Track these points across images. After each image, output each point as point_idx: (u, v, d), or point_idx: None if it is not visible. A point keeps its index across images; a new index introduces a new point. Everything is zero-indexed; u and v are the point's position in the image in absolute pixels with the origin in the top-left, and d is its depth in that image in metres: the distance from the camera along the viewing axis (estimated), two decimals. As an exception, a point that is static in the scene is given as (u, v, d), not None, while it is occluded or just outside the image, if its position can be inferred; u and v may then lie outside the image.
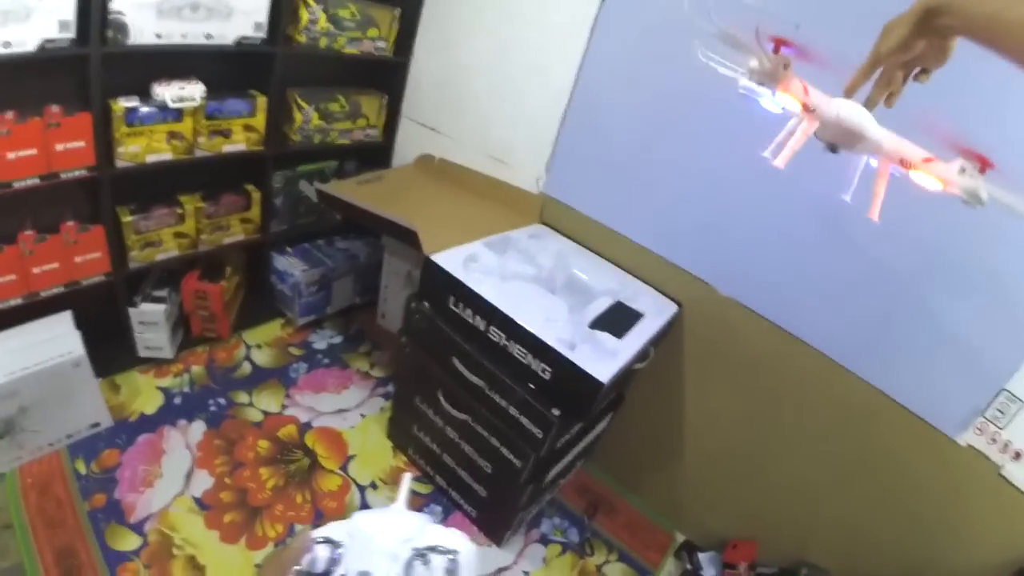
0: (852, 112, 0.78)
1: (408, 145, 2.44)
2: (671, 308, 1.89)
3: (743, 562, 2.10)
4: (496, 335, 1.61)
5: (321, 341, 2.52)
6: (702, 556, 2.13)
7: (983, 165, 0.76)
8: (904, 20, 0.67)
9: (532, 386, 1.58)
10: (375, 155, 2.49)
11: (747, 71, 0.85)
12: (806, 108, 0.82)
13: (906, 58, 0.71)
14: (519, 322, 1.55)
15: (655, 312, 1.82)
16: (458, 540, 0.62)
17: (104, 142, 1.69)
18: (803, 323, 1.82)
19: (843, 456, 1.91)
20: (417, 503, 2.04)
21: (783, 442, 2.00)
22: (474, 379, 1.68)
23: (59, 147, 1.60)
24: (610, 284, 1.87)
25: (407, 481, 0.74)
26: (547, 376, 1.54)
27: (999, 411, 1.66)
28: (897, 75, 0.74)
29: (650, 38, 1.81)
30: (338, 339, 2.56)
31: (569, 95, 2.00)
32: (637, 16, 1.81)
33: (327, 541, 0.58)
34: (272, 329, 2.49)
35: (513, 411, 1.62)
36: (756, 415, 2.00)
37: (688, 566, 2.11)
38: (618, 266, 2.02)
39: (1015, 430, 1.64)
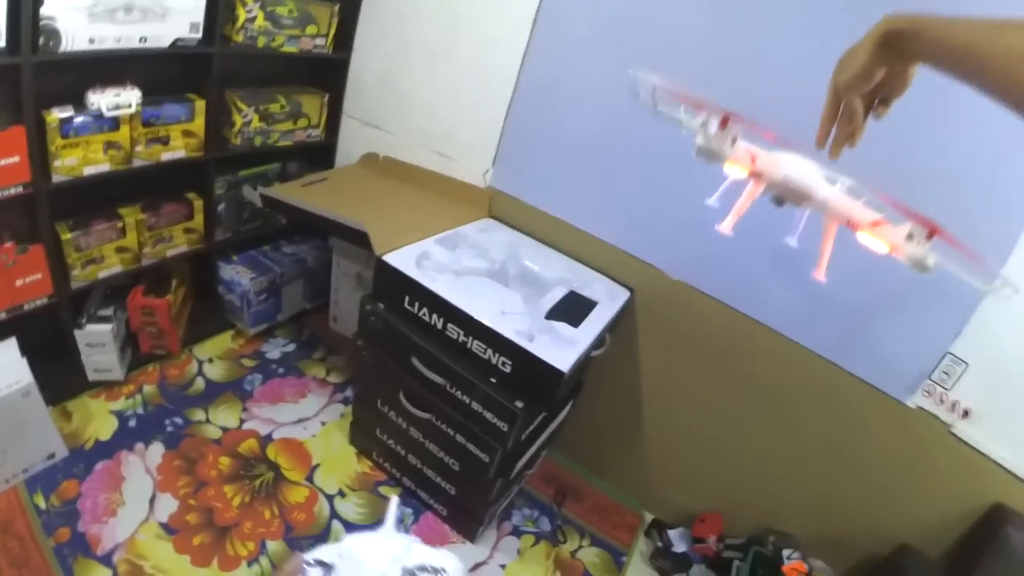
0: (800, 172, 0.80)
1: (352, 144, 2.45)
2: (624, 294, 1.97)
3: (712, 535, 2.20)
4: (454, 332, 1.65)
5: (274, 350, 2.52)
6: (672, 533, 2.23)
7: (932, 232, 0.75)
8: (864, 47, 0.64)
9: (493, 380, 1.63)
10: (318, 155, 2.49)
11: (694, 149, 0.85)
12: (753, 174, 0.84)
13: (867, 88, 0.68)
14: (476, 317, 1.60)
15: (608, 299, 1.89)
16: (445, 558, 0.65)
17: (39, 156, 1.65)
18: (753, 302, 1.93)
19: (802, 426, 2.03)
20: (384, 508, 2.07)
21: (742, 417, 2.10)
22: (435, 377, 1.72)
23: None
24: (562, 274, 1.94)
25: (394, 504, 0.77)
26: (508, 369, 1.60)
27: (945, 373, 1.80)
28: (858, 109, 0.71)
29: (592, 29, 1.87)
30: (291, 347, 2.57)
31: (513, 88, 2.05)
32: (578, 9, 1.88)
33: (319, 564, 0.60)
34: (223, 341, 2.48)
35: (476, 406, 1.67)
36: (714, 393, 2.11)
37: (659, 543, 2.21)
38: (569, 255, 2.09)
39: (961, 390, 1.80)
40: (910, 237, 0.76)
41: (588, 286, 1.91)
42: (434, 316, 1.68)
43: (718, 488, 2.26)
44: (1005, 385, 1.76)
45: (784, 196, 0.84)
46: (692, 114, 0.87)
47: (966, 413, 1.82)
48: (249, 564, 1.74)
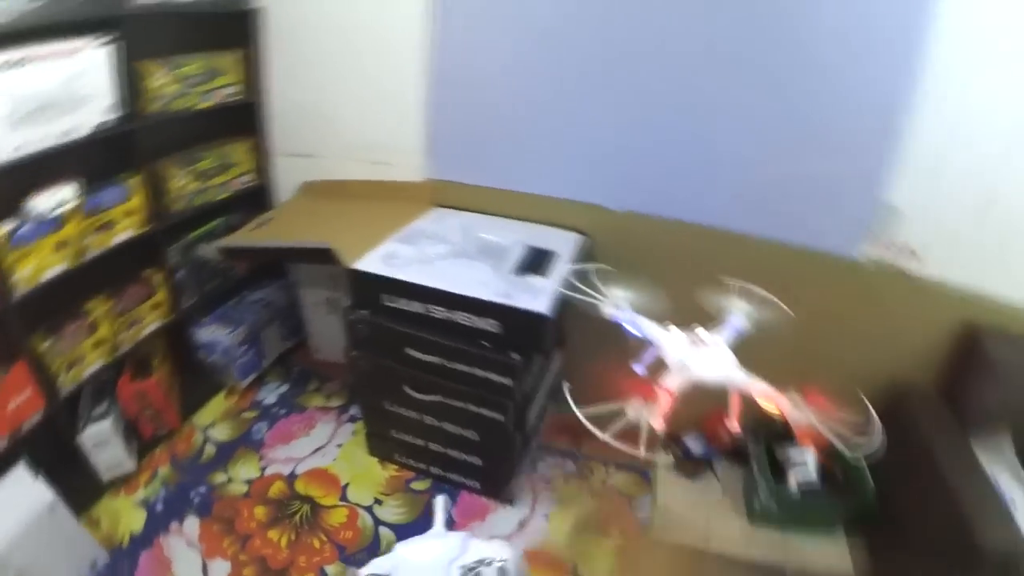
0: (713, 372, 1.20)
1: (288, 179, 2.67)
2: (575, 239, 2.24)
3: (721, 427, 2.50)
4: (438, 312, 1.90)
5: (270, 395, 2.73)
6: (687, 440, 2.51)
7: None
8: None
9: (486, 343, 1.88)
10: (258, 200, 2.69)
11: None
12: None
13: None
14: (455, 292, 1.85)
15: (564, 246, 2.17)
16: (501, 548, 0.66)
17: None
18: (695, 209, 2.22)
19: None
20: (424, 501, 2.30)
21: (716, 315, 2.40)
22: (432, 359, 1.97)
23: None
24: (517, 236, 2.20)
25: (441, 503, 0.79)
26: (496, 329, 1.85)
27: (883, 222, 2.12)
28: None
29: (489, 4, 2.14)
30: (285, 387, 2.78)
31: (427, 80, 2.29)
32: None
33: None
34: (218, 403, 2.67)
35: (478, 372, 1.92)
36: (683, 303, 2.38)
37: (679, 452, 2.50)
38: (519, 219, 2.35)
39: (902, 233, 2.13)
40: (794, 403, 1.13)
41: (544, 240, 2.18)
42: (415, 304, 1.92)
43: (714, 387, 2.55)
44: (941, 219, 2.08)
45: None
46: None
47: (913, 252, 2.15)
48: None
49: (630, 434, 1.33)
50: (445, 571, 0.62)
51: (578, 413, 1.18)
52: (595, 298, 1.27)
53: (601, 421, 1.28)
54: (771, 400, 1.13)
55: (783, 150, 2.08)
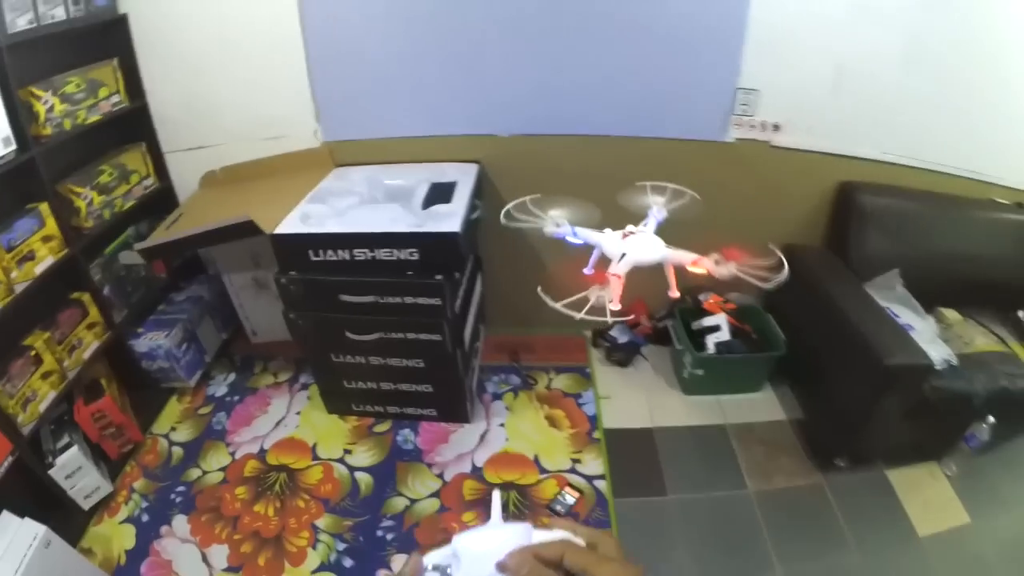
0: (648, 254, 1.42)
1: (187, 175, 2.79)
2: (473, 167, 2.51)
3: (641, 315, 2.84)
4: (361, 253, 2.14)
5: (220, 387, 2.90)
6: (612, 332, 2.85)
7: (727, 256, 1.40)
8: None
9: (410, 272, 2.14)
10: (163, 202, 2.81)
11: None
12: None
13: None
14: (373, 231, 2.10)
15: (464, 176, 2.44)
16: (566, 535, 0.60)
17: None
18: (577, 122, 2.54)
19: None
20: (389, 440, 2.54)
21: (612, 216, 2.71)
22: (366, 299, 2.20)
23: None
24: (419, 177, 2.45)
25: (497, 497, 0.79)
26: (416, 257, 2.11)
27: (744, 104, 2.49)
28: None
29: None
30: (232, 376, 2.96)
31: (303, 47, 2.48)
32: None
33: (436, 569, 0.61)
34: (172, 408, 2.81)
35: (409, 299, 2.17)
36: (585, 212, 2.70)
37: (607, 344, 2.83)
38: (418, 162, 2.60)
39: (762, 112, 2.50)
40: (716, 262, 1.44)
41: (444, 175, 2.44)
42: (340, 252, 2.14)
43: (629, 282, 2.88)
44: (797, 93, 2.44)
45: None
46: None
47: (776, 127, 2.53)
48: (314, 547, 2.17)
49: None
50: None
51: (555, 305, 1.47)
52: (536, 222, 1.56)
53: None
54: (697, 264, 1.44)
55: (643, 57, 2.40)
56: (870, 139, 2.52)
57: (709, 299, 2.74)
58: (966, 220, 2.52)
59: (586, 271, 1.61)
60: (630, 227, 1.58)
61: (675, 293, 1.56)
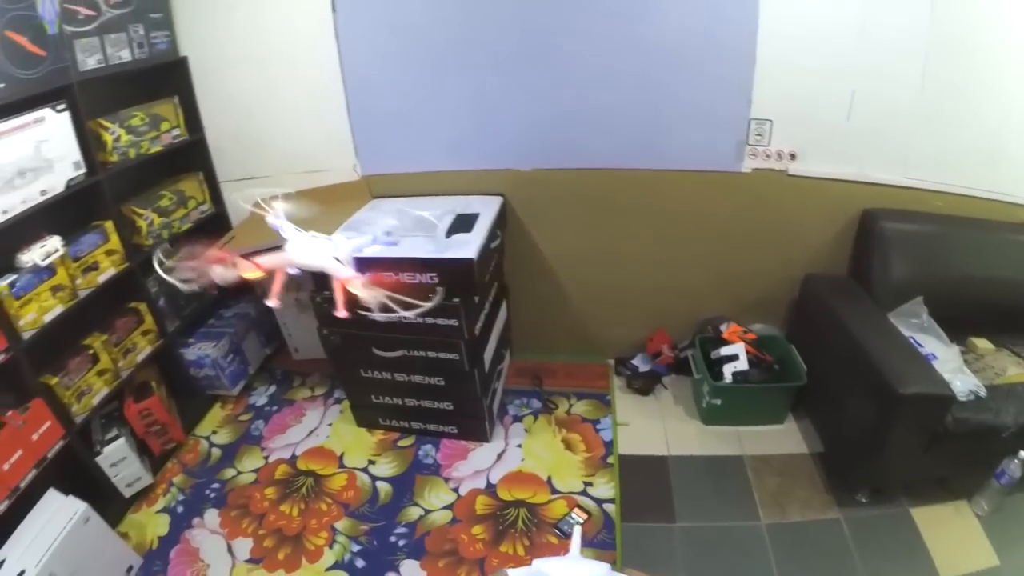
0: (307, 258, 1.57)
1: (239, 203, 3.02)
2: (497, 200, 2.65)
3: (663, 345, 2.90)
4: (388, 276, 2.27)
5: (260, 398, 3.11)
6: (634, 360, 2.92)
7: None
8: None
9: (430, 295, 2.26)
10: (217, 225, 3.05)
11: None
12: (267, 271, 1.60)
13: None
14: (399, 256, 2.26)
15: (487, 208, 2.58)
16: None
17: (5, 323, 2.07)
18: (595, 156, 2.66)
19: (680, 229, 2.77)
20: (411, 454, 2.67)
21: (633, 247, 2.82)
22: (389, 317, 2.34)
23: None
24: (446, 208, 2.58)
25: (577, 531, 0.81)
26: (436, 280, 2.24)
27: (758, 135, 2.53)
28: None
29: (383, 21, 2.56)
30: (272, 388, 3.17)
31: (343, 91, 2.70)
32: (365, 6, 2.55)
33: None
34: (215, 414, 3.03)
35: (428, 320, 2.31)
36: (602, 241, 2.83)
37: (628, 372, 2.90)
38: (445, 195, 2.76)
39: (777, 141, 2.53)
40: (364, 285, 1.57)
41: (468, 207, 2.58)
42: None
43: (648, 312, 2.98)
44: (810, 121, 2.46)
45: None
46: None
47: (792, 156, 2.55)
48: (330, 546, 2.31)
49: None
50: None
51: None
52: (267, 213, 1.68)
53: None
54: (348, 284, 1.53)
55: (657, 91, 2.52)
56: (890, 164, 2.49)
57: (728, 328, 2.78)
58: (994, 243, 2.43)
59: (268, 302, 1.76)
60: (337, 234, 1.64)
61: (341, 312, 1.63)
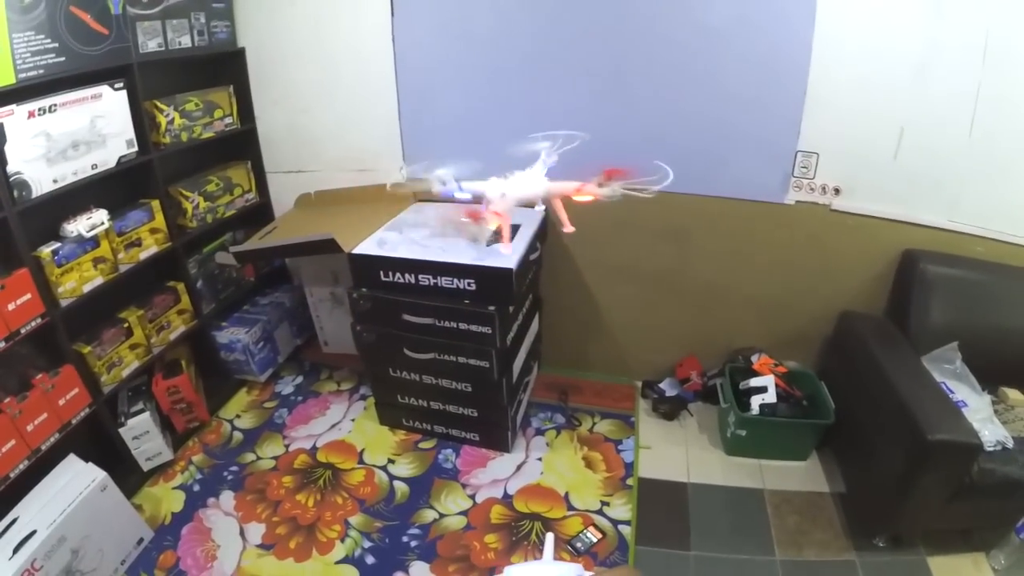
0: (528, 189, 1.52)
1: (284, 195, 3.07)
2: (540, 213, 2.63)
3: (693, 372, 2.87)
4: (426, 279, 2.30)
5: (287, 387, 3.12)
6: (662, 384, 2.89)
7: (609, 175, 1.49)
8: None
9: (467, 301, 2.27)
10: (260, 215, 3.09)
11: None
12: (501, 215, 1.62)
13: None
14: (438, 260, 2.25)
15: (529, 220, 2.56)
16: None
17: (45, 288, 2.10)
18: (635, 176, 2.59)
19: (721, 257, 2.74)
20: (431, 456, 2.66)
21: (671, 270, 2.79)
22: (425, 320, 2.35)
23: (10, 307, 1.95)
24: (489, 216, 2.59)
25: (550, 540, 0.83)
26: (473, 287, 2.25)
27: (804, 167, 2.50)
28: None
29: (439, 22, 2.59)
30: (300, 378, 3.18)
31: (396, 94, 2.72)
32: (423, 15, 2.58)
33: None
34: (241, 398, 3.04)
35: (463, 326, 2.31)
36: (640, 262, 2.80)
37: (655, 395, 2.86)
38: (487, 202, 2.74)
39: (823, 175, 2.49)
40: (600, 184, 1.52)
41: (513, 217, 2.56)
42: (407, 275, 2.32)
43: (680, 338, 2.94)
44: (858, 156, 2.43)
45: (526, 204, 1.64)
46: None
47: (837, 191, 2.52)
48: (342, 540, 2.30)
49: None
50: None
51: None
52: (426, 182, 1.68)
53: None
54: (581, 191, 1.52)
55: (705, 117, 2.50)
56: (935, 206, 2.44)
57: (760, 360, 2.73)
58: (1037, 295, 2.36)
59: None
60: (516, 171, 1.64)
61: (568, 227, 1.59)
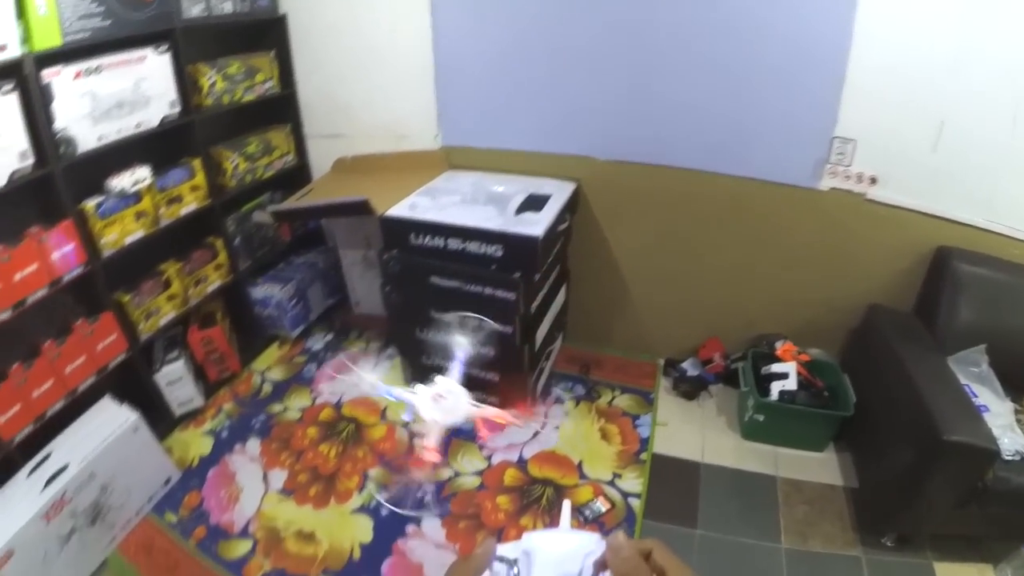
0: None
1: (321, 158, 3.11)
2: (571, 185, 2.63)
3: (716, 353, 2.85)
4: (455, 243, 2.32)
5: (317, 343, 3.19)
6: (684, 364, 2.87)
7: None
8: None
9: (493, 266, 2.29)
10: (296, 178, 3.12)
11: None
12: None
13: None
14: (468, 225, 2.27)
15: (559, 191, 2.56)
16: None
17: (87, 239, 2.17)
18: (672, 154, 2.60)
19: (750, 240, 2.69)
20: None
21: (699, 251, 2.76)
22: (451, 283, 2.38)
23: (55, 256, 2.04)
24: (520, 187, 2.59)
25: (567, 507, 0.80)
26: (500, 254, 2.26)
27: (840, 154, 2.41)
28: None
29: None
30: (330, 336, 3.25)
31: (432, 63, 2.72)
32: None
33: (502, 560, 0.62)
34: (272, 352, 3.12)
35: (488, 291, 2.33)
36: (669, 240, 2.78)
37: (676, 374, 2.86)
38: (521, 174, 2.75)
39: (860, 162, 2.40)
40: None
41: (542, 188, 2.58)
42: (437, 239, 2.34)
43: (705, 319, 2.92)
44: (896, 146, 2.32)
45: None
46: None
47: (873, 180, 2.42)
48: (360, 491, 2.36)
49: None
50: (578, 563, 0.60)
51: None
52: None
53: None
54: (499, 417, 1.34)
55: (741, 96, 2.43)
56: (971, 203, 2.32)
57: (783, 346, 2.69)
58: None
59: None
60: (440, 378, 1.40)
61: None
